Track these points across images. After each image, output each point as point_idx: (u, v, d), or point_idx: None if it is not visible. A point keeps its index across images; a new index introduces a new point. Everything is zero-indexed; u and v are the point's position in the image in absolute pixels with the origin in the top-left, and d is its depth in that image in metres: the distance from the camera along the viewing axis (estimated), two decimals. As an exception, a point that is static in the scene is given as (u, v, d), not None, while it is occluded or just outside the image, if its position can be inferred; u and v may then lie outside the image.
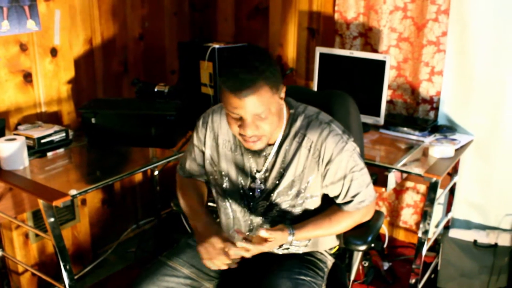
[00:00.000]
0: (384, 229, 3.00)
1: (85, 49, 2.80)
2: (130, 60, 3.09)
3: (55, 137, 2.43)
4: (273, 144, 1.72)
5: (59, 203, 1.96)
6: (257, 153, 1.74)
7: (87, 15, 2.77)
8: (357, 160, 1.71)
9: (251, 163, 1.76)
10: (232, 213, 1.85)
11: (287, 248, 1.80)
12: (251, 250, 1.60)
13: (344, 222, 1.74)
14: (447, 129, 2.63)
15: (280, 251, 1.78)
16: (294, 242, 1.73)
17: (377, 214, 1.86)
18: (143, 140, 2.47)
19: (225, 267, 1.64)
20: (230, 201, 1.83)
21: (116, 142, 2.51)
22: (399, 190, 3.00)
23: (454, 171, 2.69)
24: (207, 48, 2.65)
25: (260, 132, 1.60)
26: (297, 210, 1.76)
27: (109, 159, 2.49)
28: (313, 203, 1.76)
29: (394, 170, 2.32)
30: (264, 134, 1.61)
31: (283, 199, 1.74)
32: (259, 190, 1.77)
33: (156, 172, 3.09)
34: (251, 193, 1.78)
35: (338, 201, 1.74)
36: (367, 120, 2.68)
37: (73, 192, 2.00)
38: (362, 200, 1.73)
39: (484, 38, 2.53)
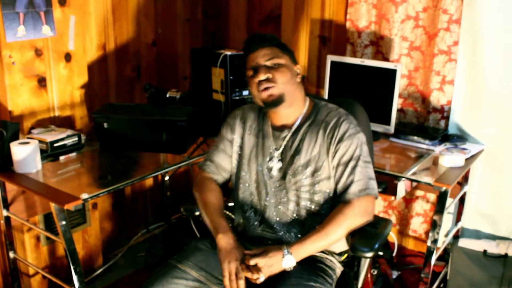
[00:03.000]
0: (394, 237, 2.99)
1: (98, 55, 2.83)
2: (143, 66, 3.11)
3: (68, 141, 2.45)
4: (291, 127, 1.88)
5: (70, 206, 1.97)
6: (277, 135, 1.90)
7: (101, 21, 2.80)
8: (364, 153, 1.82)
9: (271, 144, 1.90)
10: (251, 196, 1.93)
11: None
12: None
13: (343, 221, 1.74)
14: (458, 138, 2.62)
15: None
16: None
17: (385, 222, 1.87)
18: (154, 145, 2.49)
19: None
20: (250, 186, 1.94)
21: (127, 147, 2.53)
22: (409, 199, 2.98)
23: (464, 181, 2.66)
24: (219, 55, 2.66)
25: (273, 79, 1.80)
26: (313, 189, 1.83)
27: (121, 163, 2.50)
28: (328, 184, 1.83)
29: (403, 178, 2.31)
30: (276, 82, 1.80)
31: (299, 177, 1.83)
32: (276, 169, 1.87)
33: (166, 178, 3.09)
34: (268, 174, 1.89)
35: (339, 188, 1.80)
36: (378, 129, 2.67)
37: (84, 196, 2.02)
38: (363, 188, 1.77)
39: (496, 48, 2.52)
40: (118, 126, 2.48)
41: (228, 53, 2.65)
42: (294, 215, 1.86)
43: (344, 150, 1.79)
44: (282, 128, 1.90)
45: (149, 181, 3.27)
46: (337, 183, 1.81)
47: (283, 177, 1.86)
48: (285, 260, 1.70)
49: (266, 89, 1.80)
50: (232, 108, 2.67)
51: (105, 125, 2.46)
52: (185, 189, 3.43)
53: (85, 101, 2.75)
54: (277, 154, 1.88)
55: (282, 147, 1.88)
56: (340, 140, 1.79)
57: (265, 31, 3.32)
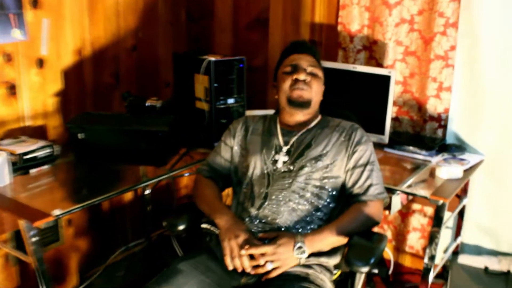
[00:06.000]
0: (389, 254, 2.93)
1: (74, 60, 2.74)
2: (122, 72, 3.04)
3: (40, 153, 2.37)
4: (302, 129, 1.99)
5: (40, 224, 1.89)
6: (286, 134, 2.00)
7: (77, 24, 2.71)
8: (376, 160, 1.94)
9: (279, 139, 1.99)
10: (251, 192, 1.93)
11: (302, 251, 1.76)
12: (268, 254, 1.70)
13: (358, 218, 1.82)
14: (456, 149, 2.59)
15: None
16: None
17: (380, 236, 1.85)
18: (133, 157, 2.42)
19: (240, 269, 1.72)
20: (253, 181, 1.95)
21: (104, 159, 2.46)
22: (405, 213, 2.93)
23: (463, 193, 2.63)
24: (202, 61, 2.60)
25: (309, 84, 1.93)
26: (320, 184, 1.87)
27: (97, 176, 2.42)
28: (334, 184, 1.89)
29: (398, 192, 2.26)
30: (311, 88, 1.94)
31: (308, 170, 1.88)
32: (282, 162, 1.92)
33: (147, 191, 3.01)
34: (273, 166, 1.93)
35: (356, 189, 1.87)
36: (371, 138, 2.59)
37: (56, 212, 1.93)
38: (380, 192, 1.88)
39: (495, 53, 2.50)
40: (95, 136, 2.42)
41: (213, 58, 2.58)
42: (296, 208, 1.85)
43: (361, 154, 1.90)
44: (292, 129, 2.01)
45: (128, 196, 3.20)
46: (353, 184, 1.89)
47: (290, 170, 1.90)
48: (297, 250, 1.72)
49: (299, 89, 1.92)
50: (217, 117, 2.63)
51: (80, 135, 2.39)
52: (166, 204, 3.38)
53: (60, 109, 2.68)
54: (284, 148, 1.96)
55: (291, 143, 1.97)
56: (358, 143, 1.91)
57: (252, 35, 3.29)
